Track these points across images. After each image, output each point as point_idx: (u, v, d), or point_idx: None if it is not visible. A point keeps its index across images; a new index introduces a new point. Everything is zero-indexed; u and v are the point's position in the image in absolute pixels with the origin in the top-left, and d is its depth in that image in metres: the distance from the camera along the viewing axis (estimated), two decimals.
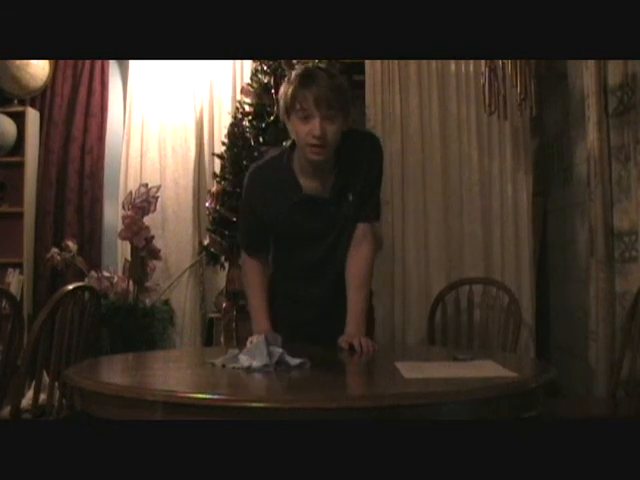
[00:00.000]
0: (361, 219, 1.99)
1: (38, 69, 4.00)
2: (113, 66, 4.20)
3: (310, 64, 1.94)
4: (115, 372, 1.65)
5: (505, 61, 3.04)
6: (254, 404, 1.09)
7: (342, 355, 1.80)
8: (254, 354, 1.50)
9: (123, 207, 3.67)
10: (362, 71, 3.59)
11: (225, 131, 3.58)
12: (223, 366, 1.51)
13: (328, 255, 1.99)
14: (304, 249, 2.00)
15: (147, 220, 3.62)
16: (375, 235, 2.05)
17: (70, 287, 2.29)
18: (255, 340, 1.64)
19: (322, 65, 1.92)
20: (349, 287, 1.97)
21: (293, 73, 1.85)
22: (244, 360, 1.48)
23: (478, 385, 1.33)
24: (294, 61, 3.34)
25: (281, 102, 1.86)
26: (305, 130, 1.80)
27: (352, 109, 1.90)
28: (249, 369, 1.44)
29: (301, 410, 1.07)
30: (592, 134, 2.81)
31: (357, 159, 1.94)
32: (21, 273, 3.93)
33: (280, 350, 1.52)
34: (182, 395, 1.14)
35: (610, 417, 2.15)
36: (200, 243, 3.73)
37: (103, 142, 4.13)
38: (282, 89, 1.85)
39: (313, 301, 2.02)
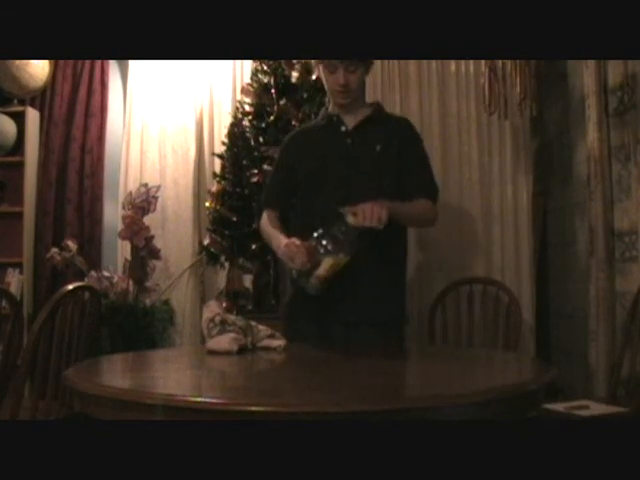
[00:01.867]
0: (416, 193, 2.14)
1: (38, 69, 4.00)
2: (113, 66, 4.21)
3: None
4: (114, 373, 1.65)
5: (505, 61, 3.04)
6: (253, 408, 1.09)
7: (342, 355, 1.80)
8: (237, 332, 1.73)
9: (123, 207, 3.67)
10: None
11: (225, 131, 3.58)
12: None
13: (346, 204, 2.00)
14: (323, 197, 2.10)
15: (147, 220, 3.62)
16: (434, 212, 2.20)
17: (70, 287, 2.29)
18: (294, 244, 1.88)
19: None
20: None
21: None
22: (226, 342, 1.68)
23: (479, 386, 1.33)
24: (294, 61, 3.34)
25: (316, 69, 2.22)
26: (332, 79, 2.10)
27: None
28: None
29: (301, 414, 1.07)
30: (592, 134, 2.80)
31: (392, 122, 2.24)
32: (21, 273, 3.93)
33: (267, 331, 1.77)
34: (181, 399, 1.14)
35: (610, 417, 2.15)
36: (200, 243, 3.73)
37: (103, 142, 4.13)
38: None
39: None
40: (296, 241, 1.89)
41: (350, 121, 2.18)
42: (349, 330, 2.06)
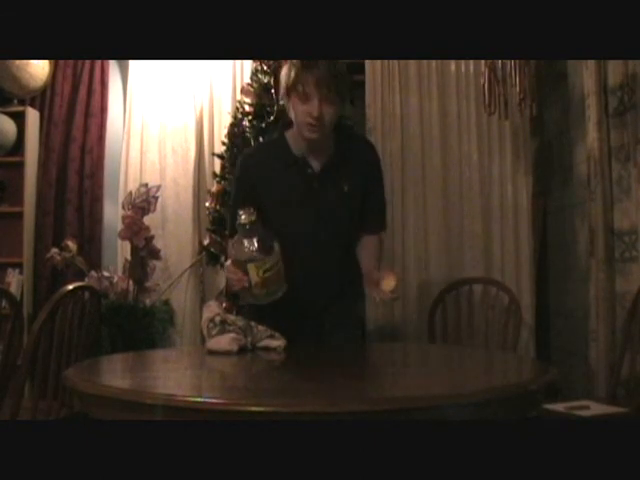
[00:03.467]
0: (368, 231, 2.08)
1: (38, 69, 4.00)
2: (113, 66, 4.20)
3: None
4: (114, 373, 1.65)
5: (505, 61, 3.04)
6: (254, 408, 1.09)
7: (343, 356, 1.80)
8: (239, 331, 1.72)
9: (123, 207, 3.66)
10: (362, 71, 3.59)
11: (225, 131, 3.58)
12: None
13: (314, 246, 2.01)
14: (287, 227, 2.00)
15: (147, 220, 3.62)
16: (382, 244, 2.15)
17: (70, 287, 2.29)
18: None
19: None
20: (361, 256, 2.07)
21: (292, 61, 1.90)
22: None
23: (479, 387, 1.33)
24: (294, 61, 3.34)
25: (282, 82, 1.92)
26: (304, 109, 1.88)
27: (348, 95, 1.99)
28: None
29: (301, 414, 1.07)
30: (592, 134, 2.81)
31: (355, 155, 2.04)
32: (21, 273, 3.93)
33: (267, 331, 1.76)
34: (181, 399, 1.14)
35: (610, 417, 2.15)
36: (200, 243, 3.73)
37: (103, 142, 4.13)
38: (284, 70, 1.92)
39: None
40: (231, 264, 1.84)
41: (316, 161, 2.00)
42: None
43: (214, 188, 3.47)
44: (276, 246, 1.80)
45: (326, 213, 2.01)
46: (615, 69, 2.74)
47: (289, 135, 2.02)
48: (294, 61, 1.89)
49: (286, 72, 1.89)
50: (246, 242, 1.78)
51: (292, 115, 1.94)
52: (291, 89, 1.88)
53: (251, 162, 2.08)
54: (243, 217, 1.77)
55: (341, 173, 2.01)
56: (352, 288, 2.12)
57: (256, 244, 1.77)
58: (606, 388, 2.64)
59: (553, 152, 3.58)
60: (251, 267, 1.76)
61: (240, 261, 1.79)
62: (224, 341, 1.72)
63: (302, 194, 2.01)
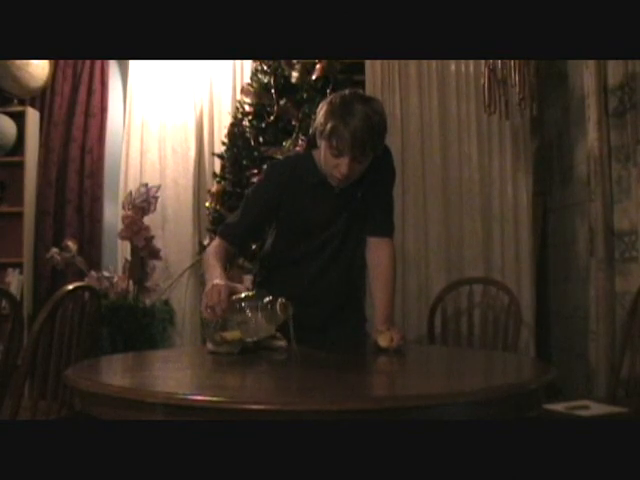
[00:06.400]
0: (385, 233, 2.10)
1: (38, 69, 4.00)
2: (113, 66, 4.21)
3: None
4: (115, 373, 1.65)
5: (505, 61, 3.04)
6: (254, 406, 1.09)
7: (343, 356, 1.80)
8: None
9: (123, 207, 3.67)
10: (362, 71, 3.59)
11: (225, 131, 3.59)
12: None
13: (329, 255, 2.01)
14: (307, 240, 2.00)
15: (147, 220, 3.63)
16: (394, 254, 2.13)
17: (70, 287, 2.29)
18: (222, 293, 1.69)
19: (360, 93, 1.89)
20: (375, 285, 2.04)
21: (333, 101, 1.80)
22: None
23: (479, 386, 1.33)
24: (294, 61, 3.34)
25: (318, 127, 1.83)
26: (334, 163, 1.82)
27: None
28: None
29: (301, 412, 1.07)
30: (592, 134, 2.81)
31: (372, 164, 1.93)
32: (21, 273, 3.93)
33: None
34: (182, 397, 1.14)
35: (610, 417, 2.15)
36: (200, 243, 3.73)
37: (103, 142, 4.13)
38: (322, 109, 1.82)
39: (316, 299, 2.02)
40: (223, 288, 1.70)
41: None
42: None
43: (214, 188, 3.47)
44: (251, 341, 1.69)
45: (345, 221, 2.00)
46: (615, 69, 2.74)
47: (317, 154, 1.94)
48: (328, 109, 1.79)
49: (323, 118, 1.80)
50: (256, 315, 1.65)
51: (321, 155, 1.86)
52: (325, 139, 1.80)
53: (281, 172, 2.02)
54: (280, 307, 1.63)
55: (359, 183, 1.96)
56: (356, 293, 2.14)
57: (261, 323, 1.66)
58: (606, 388, 2.64)
59: (553, 152, 3.58)
60: (236, 332, 1.66)
61: (239, 314, 1.67)
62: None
63: (323, 213, 1.98)
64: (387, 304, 2.02)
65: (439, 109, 3.57)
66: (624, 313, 2.61)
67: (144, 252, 3.63)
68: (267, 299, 1.65)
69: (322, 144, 1.84)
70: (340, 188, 1.94)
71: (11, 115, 3.98)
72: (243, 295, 1.71)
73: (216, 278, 1.78)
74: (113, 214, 4.04)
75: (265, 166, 2.17)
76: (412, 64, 3.58)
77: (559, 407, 2.19)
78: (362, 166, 1.85)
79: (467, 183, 3.55)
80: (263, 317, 1.65)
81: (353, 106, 1.76)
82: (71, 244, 3.72)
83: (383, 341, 1.78)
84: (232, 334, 1.68)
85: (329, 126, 1.77)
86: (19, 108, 4.02)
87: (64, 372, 1.49)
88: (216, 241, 2.02)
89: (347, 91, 1.85)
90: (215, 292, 1.69)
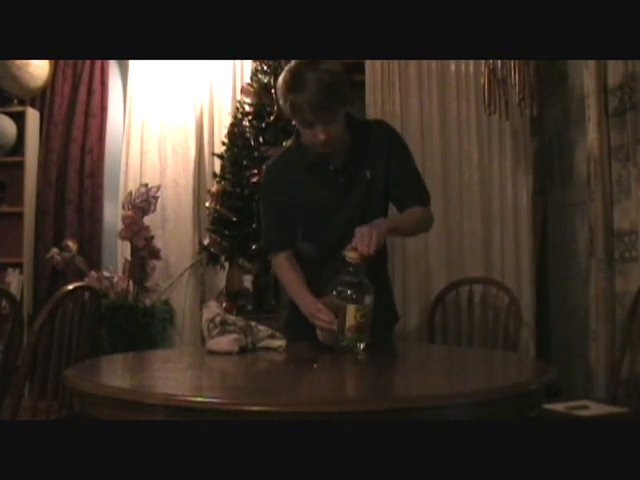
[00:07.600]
0: (410, 203, 2.02)
1: (38, 69, 4.00)
2: (113, 66, 4.21)
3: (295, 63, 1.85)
4: (114, 374, 1.65)
5: (505, 61, 3.04)
6: (254, 407, 1.09)
7: (342, 356, 1.80)
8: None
9: (123, 207, 3.67)
10: (362, 71, 3.59)
11: (225, 131, 3.59)
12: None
13: (346, 235, 1.93)
14: (322, 231, 1.99)
15: (147, 220, 3.63)
16: (429, 216, 2.10)
17: (70, 287, 2.29)
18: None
19: (307, 60, 1.85)
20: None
21: (285, 78, 1.82)
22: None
23: (479, 386, 1.33)
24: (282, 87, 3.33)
25: (283, 108, 1.87)
26: (310, 134, 1.85)
27: (350, 91, 1.89)
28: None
29: (302, 414, 1.07)
30: (592, 134, 2.80)
31: (372, 139, 1.98)
32: (21, 273, 3.94)
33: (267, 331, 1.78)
34: (182, 398, 1.14)
35: (610, 417, 2.15)
36: (200, 243, 3.73)
37: (103, 142, 4.14)
38: (279, 92, 1.85)
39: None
40: (323, 307, 1.76)
41: (336, 158, 1.96)
42: None
43: (214, 188, 3.47)
44: (370, 298, 1.72)
45: (358, 206, 1.97)
46: (615, 69, 2.74)
47: (303, 139, 1.96)
48: (282, 87, 1.81)
49: (282, 97, 1.83)
50: (354, 279, 1.70)
51: (301, 133, 1.91)
52: (292, 116, 1.84)
53: (273, 174, 2.05)
54: (350, 255, 1.69)
55: (363, 162, 1.96)
56: (382, 284, 2.07)
57: (359, 285, 1.70)
58: (606, 388, 2.64)
59: (553, 152, 3.58)
60: (351, 309, 1.69)
61: (337, 301, 1.71)
62: (225, 342, 1.72)
63: (329, 193, 1.98)
64: (394, 216, 2.00)
65: (439, 109, 3.57)
66: (624, 313, 2.61)
67: (144, 252, 3.63)
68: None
69: (295, 122, 1.87)
70: (336, 167, 1.95)
71: (11, 115, 3.99)
72: (331, 290, 1.75)
73: (305, 297, 1.89)
74: (113, 214, 4.04)
75: (265, 166, 2.15)
76: (412, 64, 3.58)
77: (559, 407, 2.19)
78: (338, 125, 1.85)
79: (467, 183, 3.55)
80: (349, 277, 1.72)
81: (302, 76, 1.78)
82: (71, 244, 3.72)
83: (349, 254, 1.70)
84: (350, 314, 1.69)
85: (288, 103, 1.80)
86: (19, 108, 4.02)
87: (64, 373, 1.49)
88: (274, 260, 2.06)
89: (294, 62, 1.85)
90: (322, 315, 1.76)
